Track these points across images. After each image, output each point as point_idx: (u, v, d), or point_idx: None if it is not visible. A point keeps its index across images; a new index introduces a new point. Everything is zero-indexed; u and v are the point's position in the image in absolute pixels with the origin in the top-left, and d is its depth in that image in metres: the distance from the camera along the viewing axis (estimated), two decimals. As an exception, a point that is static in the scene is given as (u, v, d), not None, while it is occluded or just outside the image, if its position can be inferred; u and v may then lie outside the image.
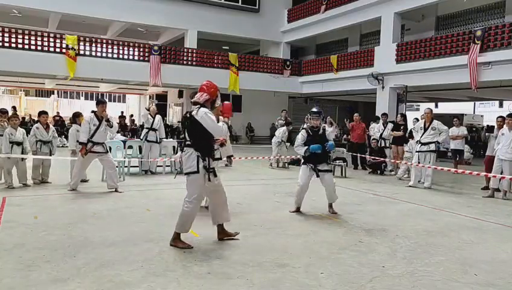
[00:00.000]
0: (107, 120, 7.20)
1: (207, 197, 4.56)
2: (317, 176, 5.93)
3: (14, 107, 19.48)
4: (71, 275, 3.44)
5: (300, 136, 6.06)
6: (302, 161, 6.12)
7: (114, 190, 7.15)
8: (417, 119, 10.93)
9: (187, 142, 4.25)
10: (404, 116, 11.42)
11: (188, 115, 4.22)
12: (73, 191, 7.14)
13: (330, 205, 6.17)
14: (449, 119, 11.81)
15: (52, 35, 15.32)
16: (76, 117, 8.13)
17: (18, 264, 3.64)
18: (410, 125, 11.54)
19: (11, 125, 7.38)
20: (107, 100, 7.73)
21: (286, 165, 11.85)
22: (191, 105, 4.33)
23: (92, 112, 7.33)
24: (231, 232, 4.58)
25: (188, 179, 4.20)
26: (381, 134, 11.37)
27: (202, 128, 4.09)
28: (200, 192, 4.25)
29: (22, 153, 7.34)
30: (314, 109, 6.15)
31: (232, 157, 6.03)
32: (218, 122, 4.27)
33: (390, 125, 11.38)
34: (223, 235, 4.52)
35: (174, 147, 10.56)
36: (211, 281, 3.43)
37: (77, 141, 7.29)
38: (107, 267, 3.63)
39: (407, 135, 10.88)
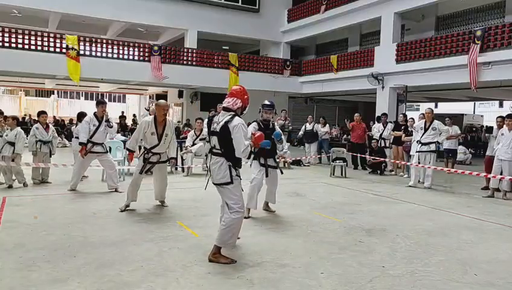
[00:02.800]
0: (107, 120, 7.22)
1: None
2: (267, 175, 5.67)
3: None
4: (71, 275, 3.44)
5: (252, 128, 5.60)
6: (252, 156, 5.72)
7: (114, 190, 7.16)
8: (413, 120, 10.95)
9: (215, 150, 3.98)
10: (405, 117, 11.45)
11: (222, 122, 3.90)
12: (73, 191, 7.14)
13: (267, 204, 6.04)
14: (442, 120, 11.80)
15: (52, 35, 15.31)
16: (82, 117, 8.16)
17: (18, 264, 3.64)
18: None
19: (10, 126, 7.39)
20: (107, 100, 7.80)
21: (288, 165, 11.85)
22: (221, 110, 4.09)
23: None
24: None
25: (223, 190, 3.97)
26: (381, 134, 11.38)
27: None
28: (242, 199, 4.05)
29: (13, 153, 7.25)
30: (267, 102, 5.79)
31: (174, 160, 5.98)
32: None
33: (390, 125, 11.40)
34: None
35: (174, 147, 10.56)
36: (211, 281, 3.43)
37: (76, 138, 7.42)
38: (107, 267, 3.63)
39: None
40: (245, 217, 5.44)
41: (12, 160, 7.23)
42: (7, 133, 7.28)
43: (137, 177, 5.83)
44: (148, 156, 5.75)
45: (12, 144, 7.27)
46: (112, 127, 7.37)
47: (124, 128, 18.30)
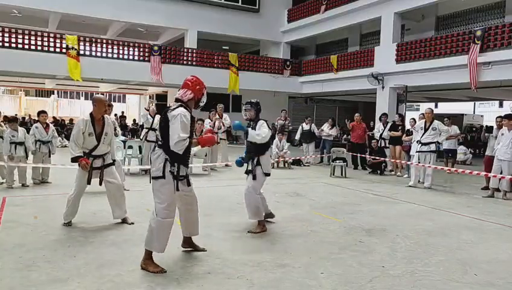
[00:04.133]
0: (115, 129, 7.21)
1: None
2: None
3: None
4: (71, 275, 3.44)
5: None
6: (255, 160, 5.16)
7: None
8: (414, 120, 10.97)
9: (159, 142, 3.73)
10: (402, 117, 11.46)
11: (164, 112, 3.72)
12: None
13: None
14: (442, 120, 11.79)
15: (52, 35, 15.32)
16: None
17: (18, 264, 3.64)
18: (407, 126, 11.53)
19: (11, 128, 7.45)
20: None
21: (288, 165, 11.85)
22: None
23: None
24: (198, 246, 4.14)
25: (155, 185, 3.67)
26: (381, 134, 11.39)
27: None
28: (171, 201, 3.66)
29: (26, 152, 7.44)
30: (250, 100, 5.37)
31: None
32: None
33: (390, 126, 11.39)
34: (189, 246, 4.12)
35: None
36: (211, 281, 3.43)
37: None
38: (107, 267, 3.63)
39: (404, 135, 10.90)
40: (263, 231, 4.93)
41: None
42: (13, 134, 7.36)
43: (81, 190, 5.03)
44: (89, 160, 4.88)
45: (21, 143, 7.40)
46: (117, 135, 7.40)
47: (124, 128, 18.33)
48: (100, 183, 5.04)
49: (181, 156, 3.62)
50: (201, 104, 3.87)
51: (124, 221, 5.14)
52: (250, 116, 5.19)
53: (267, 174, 5.16)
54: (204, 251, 4.10)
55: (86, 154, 4.87)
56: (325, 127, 13.26)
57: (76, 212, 5.04)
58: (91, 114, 4.92)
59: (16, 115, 22.24)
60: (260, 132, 4.95)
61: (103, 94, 31.13)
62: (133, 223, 5.09)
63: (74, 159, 4.81)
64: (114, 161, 5.39)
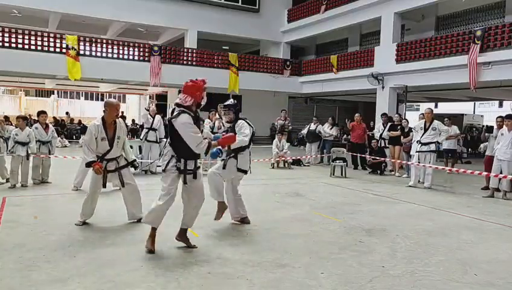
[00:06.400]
0: None
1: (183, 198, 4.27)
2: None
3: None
4: (71, 275, 3.44)
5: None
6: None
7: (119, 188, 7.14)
8: (407, 120, 10.99)
9: (168, 141, 4.12)
10: (400, 116, 11.48)
11: (168, 119, 4.06)
12: (77, 190, 7.13)
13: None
14: (442, 120, 11.79)
15: (52, 35, 15.33)
16: None
17: (18, 264, 3.64)
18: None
19: (19, 126, 7.45)
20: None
21: (288, 165, 11.85)
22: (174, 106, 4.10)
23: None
24: (190, 242, 4.26)
25: (162, 175, 4.15)
26: (381, 134, 11.38)
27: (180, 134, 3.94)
28: (170, 190, 4.05)
29: (27, 153, 7.36)
30: (227, 102, 5.23)
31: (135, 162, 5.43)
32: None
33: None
34: (182, 239, 4.26)
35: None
36: (211, 281, 3.43)
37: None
38: (107, 267, 3.63)
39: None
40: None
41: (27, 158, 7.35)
42: (17, 133, 7.34)
43: (95, 191, 5.05)
44: (103, 164, 4.92)
45: (23, 144, 7.34)
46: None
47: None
48: (123, 186, 5.07)
49: (188, 152, 3.96)
50: (203, 103, 4.12)
51: (140, 221, 5.06)
52: (230, 118, 5.14)
53: (242, 171, 5.09)
54: (195, 248, 4.22)
55: (99, 158, 4.88)
56: (326, 127, 13.28)
57: (91, 213, 5.09)
58: (102, 118, 4.91)
59: (28, 115, 22.19)
60: (243, 136, 4.89)
61: (103, 94, 31.21)
62: None
63: (88, 164, 4.84)
64: (134, 160, 5.43)
